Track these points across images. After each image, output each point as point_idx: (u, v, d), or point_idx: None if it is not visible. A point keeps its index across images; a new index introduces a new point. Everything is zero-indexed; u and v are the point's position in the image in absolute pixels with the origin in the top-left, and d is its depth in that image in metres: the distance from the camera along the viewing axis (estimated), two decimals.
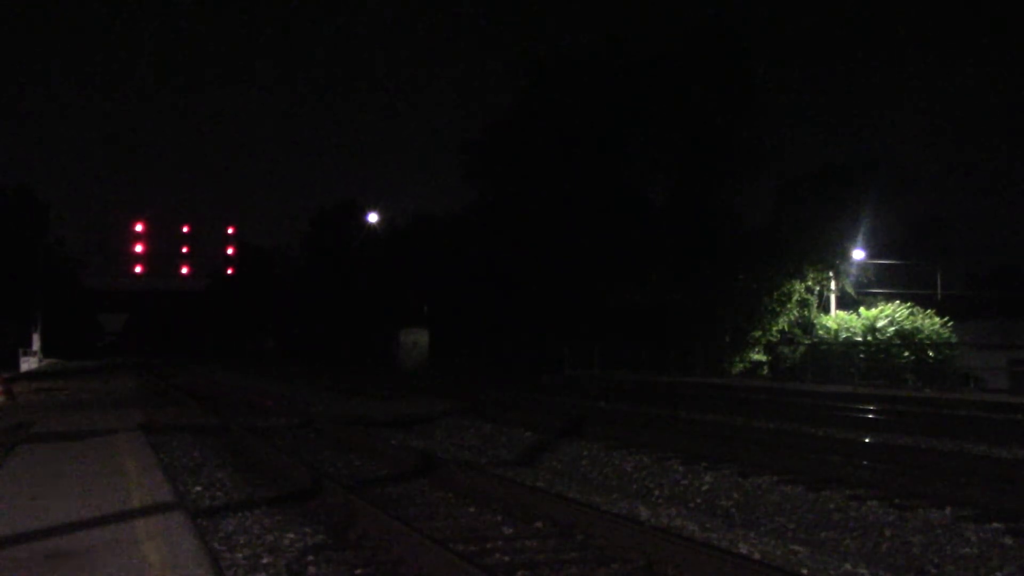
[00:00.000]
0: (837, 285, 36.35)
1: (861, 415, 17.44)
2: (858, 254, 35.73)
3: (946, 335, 32.83)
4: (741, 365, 36.76)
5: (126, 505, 7.17)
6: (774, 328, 36.66)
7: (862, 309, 34.46)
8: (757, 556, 6.66)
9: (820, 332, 35.07)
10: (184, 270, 63.14)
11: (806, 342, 35.17)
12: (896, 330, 32.49)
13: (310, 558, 6.36)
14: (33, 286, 59.37)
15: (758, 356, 37.08)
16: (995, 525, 7.08)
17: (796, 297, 36.22)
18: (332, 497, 8.20)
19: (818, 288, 36.49)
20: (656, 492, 9.67)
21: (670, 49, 40.34)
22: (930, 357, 31.28)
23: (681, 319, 37.77)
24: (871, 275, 36.74)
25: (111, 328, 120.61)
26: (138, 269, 58.20)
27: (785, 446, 11.40)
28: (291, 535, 7.05)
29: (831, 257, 35.70)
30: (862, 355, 32.11)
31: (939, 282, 40.55)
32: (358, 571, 6.08)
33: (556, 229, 41.12)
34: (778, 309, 36.30)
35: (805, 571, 6.40)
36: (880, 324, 32.76)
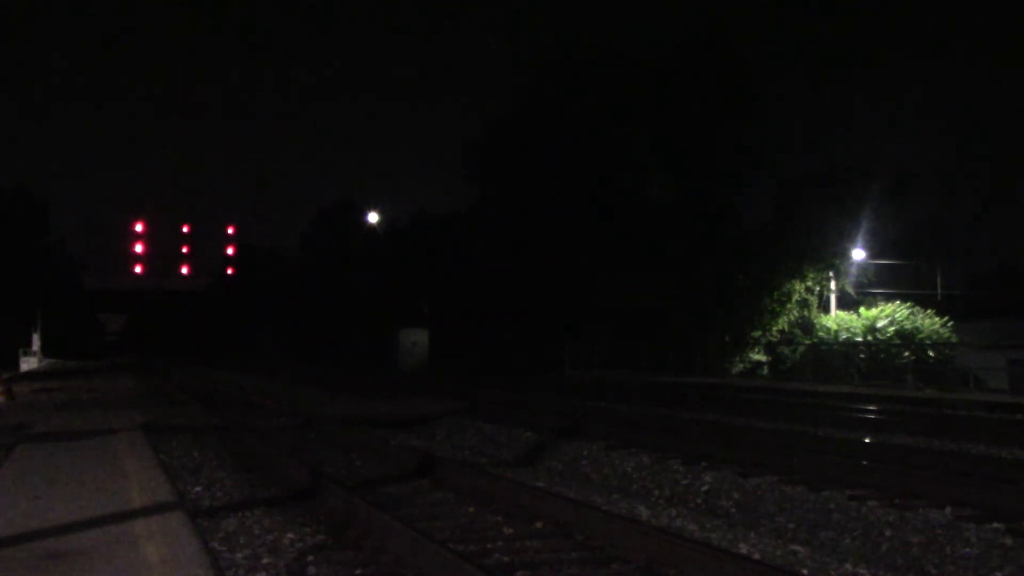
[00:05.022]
0: (837, 285, 36.34)
1: (861, 415, 17.42)
2: (858, 254, 35.70)
3: (946, 335, 32.82)
4: (741, 365, 36.76)
5: (126, 505, 7.17)
6: (774, 328, 36.65)
7: (862, 309, 34.45)
8: (757, 556, 6.66)
9: (820, 332, 35.07)
10: (184, 270, 63.23)
11: (806, 342, 35.16)
12: (896, 330, 32.49)
13: (310, 558, 6.36)
14: (33, 286, 59.42)
15: (758, 356, 37.08)
16: (995, 525, 7.07)
17: (796, 297, 36.22)
18: (332, 497, 8.19)
19: (818, 288, 36.48)
20: (656, 492, 9.66)
21: (670, 49, 40.40)
22: (930, 357, 31.27)
23: (681, 319, 37.77)
24: (871, 275, 36.72)
25: (111, 328, 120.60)
26: (138, 269, 58.28)
27: (785, 446, 11.38)
28: (291, 535, 7.05)
29: (831, 257, 35.69)
30: (862, 355, 32.12)
31: (939, 282, 40.52)
32: (358, 571, 6.08)
33: (556, 229, 41.15)
34: (778, 309, 36.30)
35: (805, 571, 6.40)
36: (880, 324, 32.77)
